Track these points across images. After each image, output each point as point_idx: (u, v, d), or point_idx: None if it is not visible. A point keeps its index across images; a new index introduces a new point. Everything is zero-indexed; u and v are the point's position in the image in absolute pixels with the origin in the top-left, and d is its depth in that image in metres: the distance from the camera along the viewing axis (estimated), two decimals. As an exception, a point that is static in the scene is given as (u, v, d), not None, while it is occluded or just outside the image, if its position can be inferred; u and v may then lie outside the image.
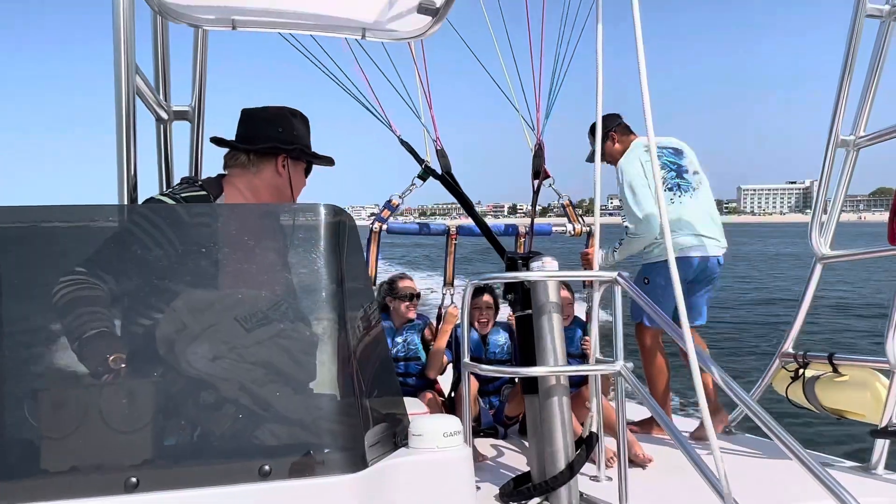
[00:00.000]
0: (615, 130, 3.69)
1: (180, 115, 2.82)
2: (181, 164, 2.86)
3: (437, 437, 1.20)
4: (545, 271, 2.48)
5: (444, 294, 3.75)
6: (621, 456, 2.36)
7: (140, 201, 2.14)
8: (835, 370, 3.00)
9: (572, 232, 3.68)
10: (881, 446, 2.76)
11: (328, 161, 2.16)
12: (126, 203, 2.09)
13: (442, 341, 3.57)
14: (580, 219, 3.68)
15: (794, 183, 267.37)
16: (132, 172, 2.10)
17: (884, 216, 3.01)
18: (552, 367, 2.37)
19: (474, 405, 3.56)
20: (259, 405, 1.10)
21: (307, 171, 2.13)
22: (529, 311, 2.56)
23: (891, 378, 2.71)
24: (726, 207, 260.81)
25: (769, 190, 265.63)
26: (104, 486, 0.99)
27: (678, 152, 3.62)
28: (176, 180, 2.76)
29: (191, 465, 1.05)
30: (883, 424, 2.71)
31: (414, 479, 1.13)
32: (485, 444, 3.35)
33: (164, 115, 2.72)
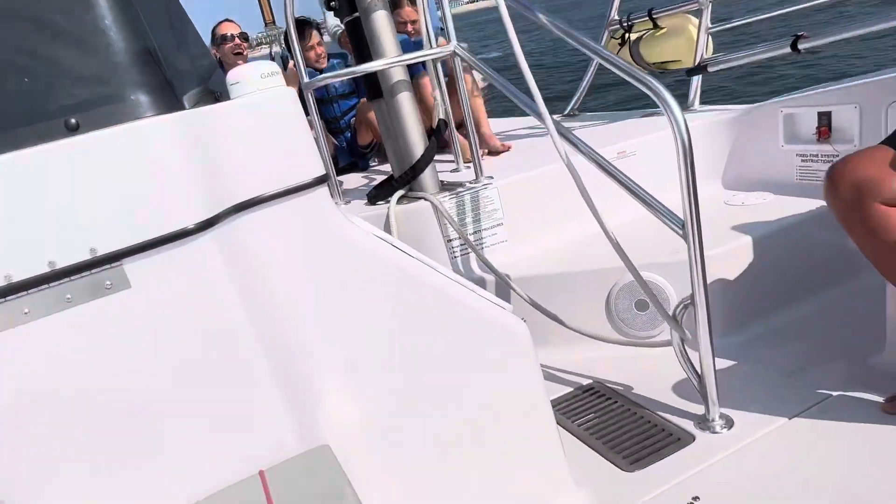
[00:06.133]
0: None
1: None
2: None
3: (255, 80, 1.14)
4: None
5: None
6: (470, 131, 2.47)
7: None
8: (655, 25, 3.18)
9: None
10: (695, 84, 3.06)
11: None
12: None
13: None
14: None
15: None
16: None
17: None
18: (388, 58, 2.32)
19: (329, 144, 3.54)
20: (45, 66, 0.98)
21: None
22: (357, 14, 2.43)
23: (700, 16, 2.92)
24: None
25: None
26: None
27: None
28: None
29: None
30: (696, 62, 2.98)
31: (240, 120, 1.09)
32: (348, 180, 3.40)
33: None
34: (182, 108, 1.05)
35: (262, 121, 1.12)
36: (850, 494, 1.37)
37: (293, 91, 1.18)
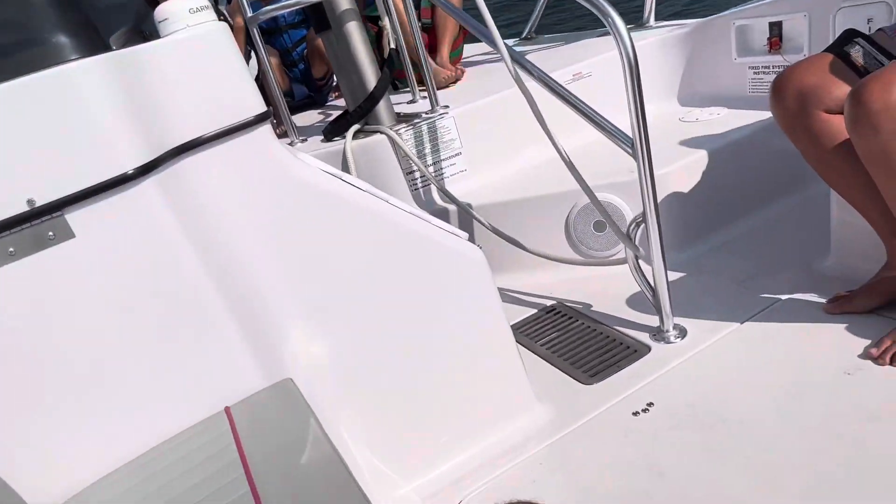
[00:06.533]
0: None
1: None
2: None
3: (184, 15, 1.10)
4: None
5: None
6: (423, 60, 2.42)
7: None
8: (608, -61, 3.09)
9: None
10: (650, 1, 3.02)
11: None
12: None
13: None
14: None
15: None
16: None
17: None
18: (332, -14, 2.24)
19: (283, 78, 3.44)
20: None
21: None
22: (297, -61, 2.32)
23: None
24: None
25: None
26: None
27: None
28: None
29: None
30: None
31: (171, 58, 1.06)
32: (305, 117, 3.32)
33: None
34: (108, 49, 1.01)
35: (195, 58, 1.09)
36: (794, 390, 1.46)
37: (225, 25, 1.14)
